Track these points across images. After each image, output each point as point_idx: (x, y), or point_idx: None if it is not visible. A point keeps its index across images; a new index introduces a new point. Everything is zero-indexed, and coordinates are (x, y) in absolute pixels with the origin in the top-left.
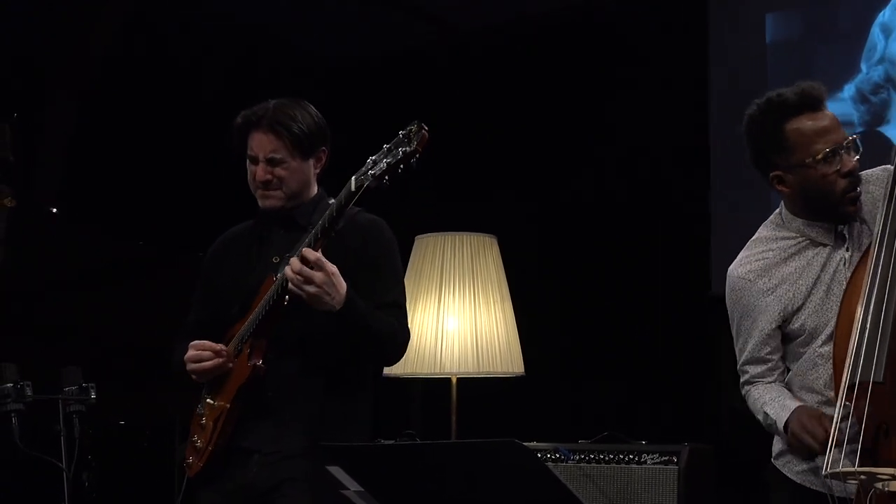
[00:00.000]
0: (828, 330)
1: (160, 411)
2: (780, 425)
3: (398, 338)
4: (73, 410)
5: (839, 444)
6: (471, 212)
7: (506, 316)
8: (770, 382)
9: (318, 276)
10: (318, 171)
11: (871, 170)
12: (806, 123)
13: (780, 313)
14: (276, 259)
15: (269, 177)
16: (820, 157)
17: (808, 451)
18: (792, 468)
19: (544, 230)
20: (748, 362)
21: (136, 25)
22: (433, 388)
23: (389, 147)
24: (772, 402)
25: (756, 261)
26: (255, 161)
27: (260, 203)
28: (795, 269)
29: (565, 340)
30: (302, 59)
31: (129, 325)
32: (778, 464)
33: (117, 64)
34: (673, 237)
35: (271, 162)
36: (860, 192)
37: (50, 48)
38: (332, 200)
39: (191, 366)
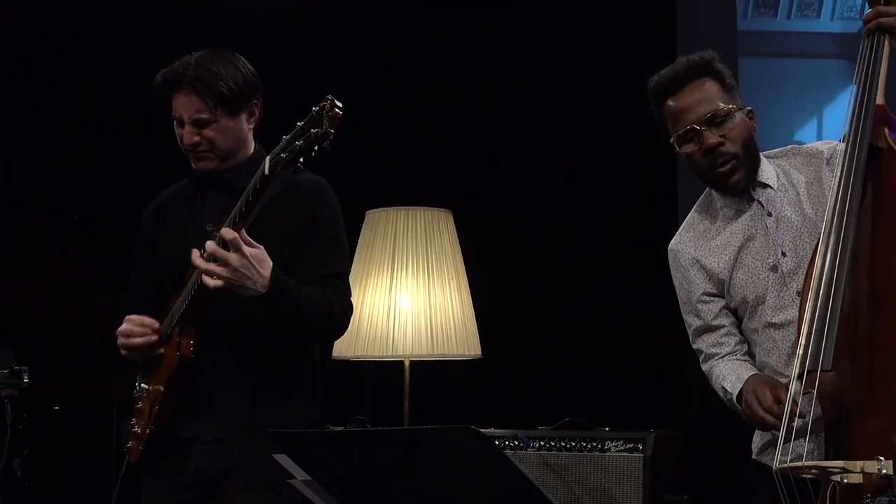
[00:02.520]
0: (770, 302)
1: (97, 394)
2: (734, 396)
3: (335, 315)
4: (3, 395)
5: (790, 437)
6: (424, 185)
7: (462, 295)
8: (729, 356)
9: (233, 258)
10: (252, 125)
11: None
12: (669, 105)
13: (709, 278)
14: (209, 227)
15: (196, 139)
16: (675, 139)
17: (760, 424)
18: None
19: (502, 204)
20: (697, 333)
21: None
22: (385, 372)
23: (301, 126)
24: (729, 374)
25: (686, 232)
26: (180, 123)
27: (193, 165)
28: (722, 239)
29: (524, 321)
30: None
31: (62, 304)
32: (763, 459)
33: (32, 18)
34: (636, 210)
35: (197, 123)
36: (733, 166)
37: None
38: (285, 137)
39: (121, 340)
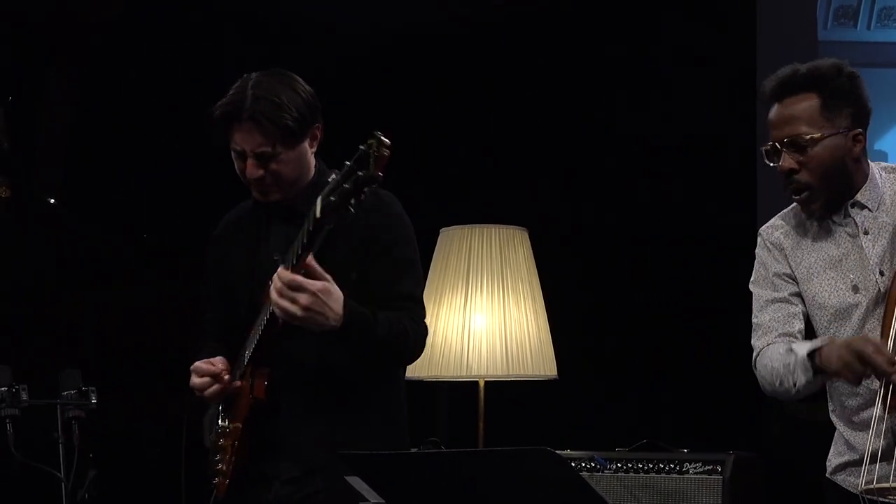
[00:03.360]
0: (859, 312)
1: (167, 417)
2: (804, 353)
3: (411, 338)
4: (71, 416)
5: (876, 458)
6: (500, 202)
7: (537, 314)
8: (792, 338)
9: (302, 298)
10: (313, 149)
11: None
12: (769, 111)
13: (789, 268)
14: (276, 257)
15: (260, 173)
16: (763, 150)
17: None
18: (851, 482)
19: (578, 222)
20: (766, 304)
21: (140, 2)
22: (459, 392)
23: (350, 166)
24: (798, 344)
25: (781, 220)
26: (241, 157)
27: (257, 197)
28: (812, 243)
29: (601, 340)
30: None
31: (133, 325)
32: (837, 479)
33: (121, 45)
34: (715, 230)
35: (261, 157)
36: (807, 196)
37: (49, 27)
38: (334, 176)
39: (193, 378)
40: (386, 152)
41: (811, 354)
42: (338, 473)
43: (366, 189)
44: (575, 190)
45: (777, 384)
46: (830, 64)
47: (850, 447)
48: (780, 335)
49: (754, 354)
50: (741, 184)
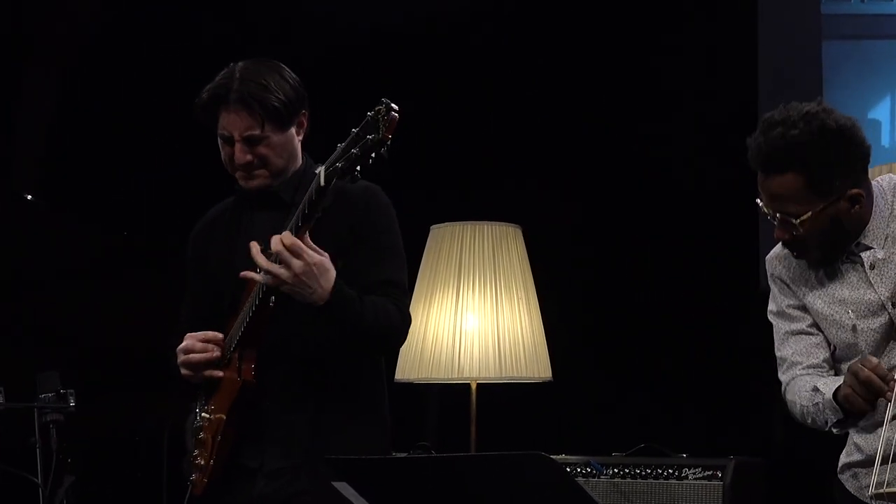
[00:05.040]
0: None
1: (148, 420)
2: (830, 395)
3: (395, 325)
4: (49, 420)
5: (887, 460)
6: (492, 198)
7: (531, 314)
8: (817, 370)
9: (295, 263)
10: (300, 137)
11: None
12: (758, 174)
13: (798, 309)
14: (262, 247)
15: (249, 157)
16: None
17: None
18: (853, 484)
19: (574, 219)
20: (785, 337)
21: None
22: (450, 395)
23: (357, 133)
24: (822, 382)
25: (781, 260)
26: (229, 141)
27: (242, 184)
28: (814, 280)
29: (597, 341)
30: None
31: (113, 325)
32: (843, 478)
33: (103, 37)
34: (716, 228)
35: (249, 141)
36: (806, 255)
37: (28, 18)
38: (319, 169)
39: (181, 357)
40: (395, 115)
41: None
42: (322, 469)
43: (373, 154)
44: (570, 185)
45: (809, 421)
46: (810, 130)
47: (857, 448)
48: (805, 368)
49: (783, 388)
50: (741, 180)
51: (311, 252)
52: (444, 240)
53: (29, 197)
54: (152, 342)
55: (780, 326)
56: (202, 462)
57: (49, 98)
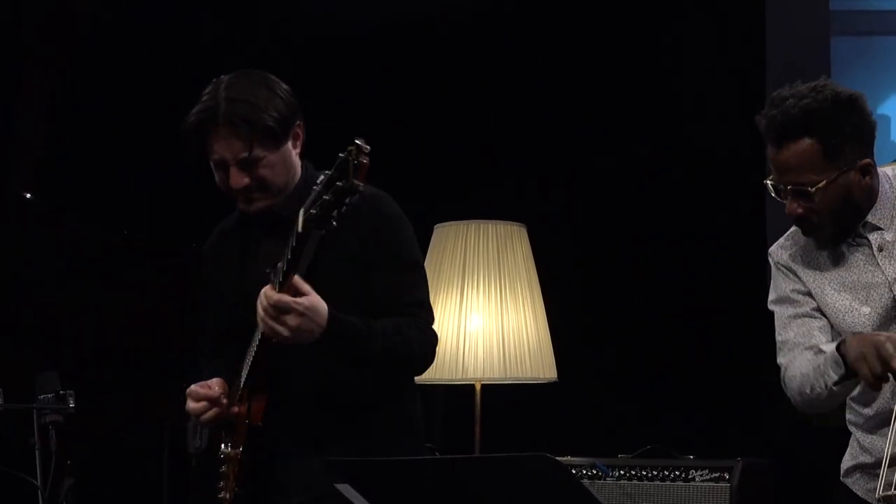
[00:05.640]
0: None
1: (148, 420)
2: (833, 348)
3: (415, 349)
4: (48, 421)
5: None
6: (497, 197)
7: (536, 315)
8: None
9: (290, 319)
10: (297, 150)
11: None
12: (768, 150)
13: (803, 293)
14: (268, 270)
15: (246, 181)
16: (769, 185)
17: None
18: (862, 486)
19: (579, 218)
20: (788, 321)
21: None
22: (455, 396)
23: (330, 175)
24: (825, 345)
25: (788, 241)
26: (222, 167)
27: (242, 208)
28: (822, 259)
29: (603, 341)
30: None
31: (113, 325)
32: (848, 482)
33: (102, 36)
34: (723, 228)
35: (244, 164)
36: (817, 232)
37: (28, 18)
38: (322, 176)
39: (189, 403)
40: (365, 160)
41: (839, 348)
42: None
43: (348, 200)
44: (576, 184)
45: (808, 390)
46: (823, 98)
47: (864, 450)
48: (806, 349)
49: (782, 371)
50: (747, 179)
51: (299, 300)
52: (448, 239)
53: (29, 196)
54: (152, 342)
55: (781, 312)
56: (226, 495)
57: (49, 98)
